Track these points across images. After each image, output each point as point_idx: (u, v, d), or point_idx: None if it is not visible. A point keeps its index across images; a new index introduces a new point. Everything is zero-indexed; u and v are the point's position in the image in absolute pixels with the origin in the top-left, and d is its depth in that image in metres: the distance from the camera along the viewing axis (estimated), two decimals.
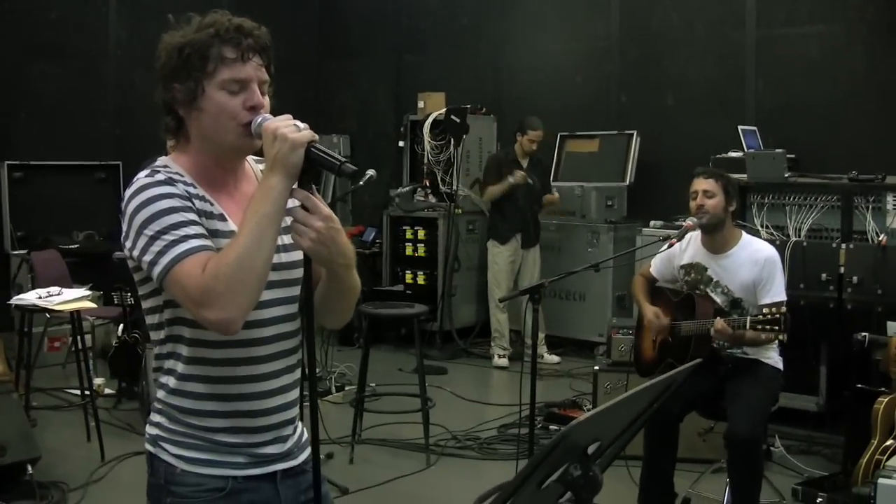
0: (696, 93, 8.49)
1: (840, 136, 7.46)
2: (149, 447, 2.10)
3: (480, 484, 3.98)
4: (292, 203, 1.95)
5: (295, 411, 2.19)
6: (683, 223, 4.60)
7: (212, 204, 2.02)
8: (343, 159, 1.94)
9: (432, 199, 9.10)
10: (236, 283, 1.85)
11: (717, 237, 4.56)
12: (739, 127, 7.23)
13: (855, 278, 5.64)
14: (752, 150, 6.81)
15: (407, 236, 9.24)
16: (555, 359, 8.21)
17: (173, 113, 2.04)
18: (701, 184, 4.55)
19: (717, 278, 4.55)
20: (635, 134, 8.62)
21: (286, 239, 2.05)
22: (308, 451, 2.19)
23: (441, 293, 8.77)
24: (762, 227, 6.23)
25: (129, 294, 6.56)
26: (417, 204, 9.17)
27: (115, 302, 6.91)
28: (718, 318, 4.35)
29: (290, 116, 1.96)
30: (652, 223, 7.41)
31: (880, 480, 4.00)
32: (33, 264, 7.48)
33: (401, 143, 9.60)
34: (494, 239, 8.25)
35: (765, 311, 4.21)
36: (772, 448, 5.48)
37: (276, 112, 2.02)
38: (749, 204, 6.32)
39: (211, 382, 2.03)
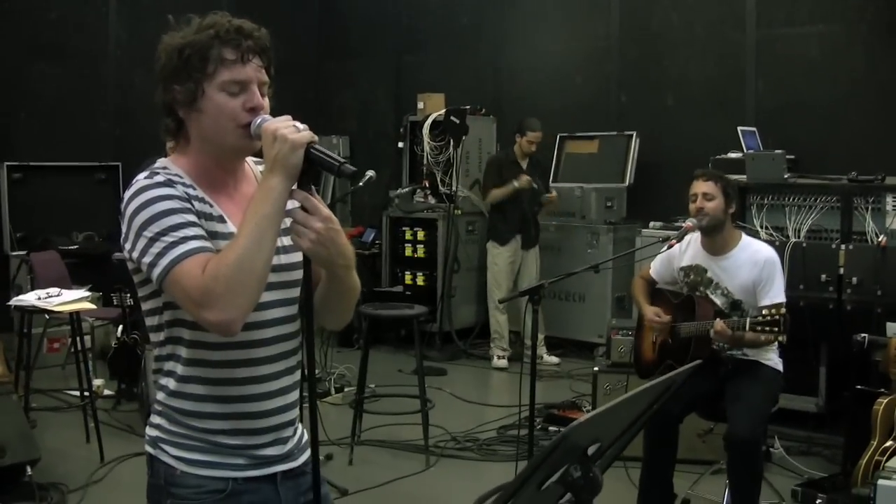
0: (696, 93, 8.49)
1: (840, 136, 7.46)
2: (149, 449, 2.10)
3: (480, 485, 3.98)
4: (292, 204, 1.95)
5: (295, 413, 2.19)
6: (683, 224, 4.59)
7: (211, 206, 2.02)
8: (342, 160, 1.94)
9: (432, 200, 9.10)
10: (236, 284, 1.85)
11: (716, 239, 4.56)
12: (739, 128, 7.23)
13: (854, 279, 5.64)
14: (751, 151, 6.81)
15: (406, 237, 9.24)
16: (554, 360, 8.21)
17: (173, 114, 2.04)
18: (700, 186, 4.55)
19: (717, 280, 4.55)
20: (635, 135, 8.61)
21: (286, 240, 2.05)
22: (308, 452, 2.19)
23: (440, 294, 8.77)
24: (762, 227, 6.23)
25: (129, 295, 6.57)
26: (417, 205, 9.17)
27: (115, 303, 6.92)
28: (718, 319, 4.35)
29: (289, 117, 1.95)
30: (651, 224, 7.41)
31: (880, 481, 4.00)
32: (33, 265, 7.47)
33: (400, 144, 9.60)
34: (494, 240, 8.25)
35: (764, 312, 4.21)
36: (771, 449, 5.48)
37: (275, 113, 2.02)
38: (748, 205, 6.32)
39: (211, 384, 2.03)
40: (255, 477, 2.08)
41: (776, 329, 4.13)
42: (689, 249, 4.69)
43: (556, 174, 8.94)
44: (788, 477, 5.23)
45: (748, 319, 4.25)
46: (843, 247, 5.73)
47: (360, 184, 2.15)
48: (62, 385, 7.00)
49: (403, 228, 9.26)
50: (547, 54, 9.55)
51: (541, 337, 7.72)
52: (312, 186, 1.97)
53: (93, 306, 6.16)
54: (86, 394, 5.82)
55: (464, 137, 8.84)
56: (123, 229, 1.96)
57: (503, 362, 8.19)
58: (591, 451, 1.66)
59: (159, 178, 1.97)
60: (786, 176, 6.29)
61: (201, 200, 2.01)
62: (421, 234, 9.13)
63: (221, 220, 2.02)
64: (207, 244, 1.93)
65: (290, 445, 2.15)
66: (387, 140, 10.24)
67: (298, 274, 2.08)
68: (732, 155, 6.99)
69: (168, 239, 1.89)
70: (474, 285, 9.03)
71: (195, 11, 2.06)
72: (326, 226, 1.93)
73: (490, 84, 9.88)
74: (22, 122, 8.77)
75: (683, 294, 4.68)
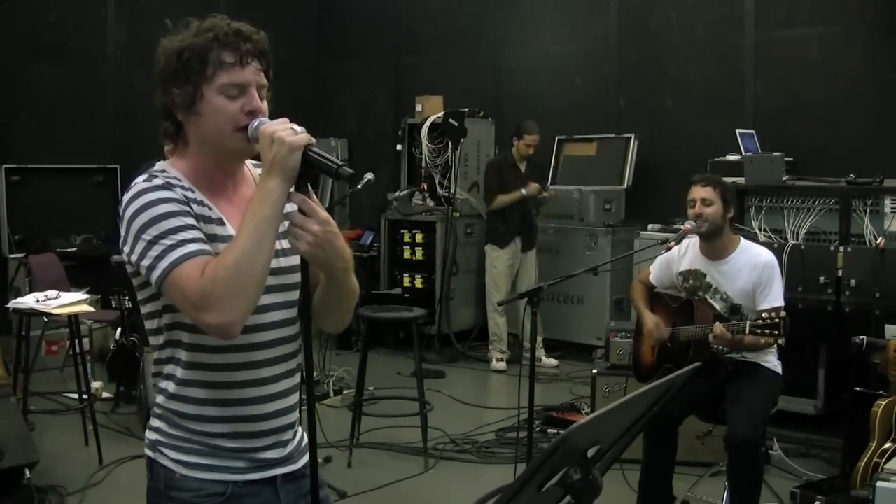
0: (695, 94, 8.49)
1: (839, 138, 7.46)
2: (148, 452, 2.10)
3: (479, 487, 3.98)
4: (290, 207, 1.94)
5: (295, 415, 2.19)
6: (682, 227, 4.59)
7: (210, 208, 2.02)
8: (340, 162, 1.94)
9: (430, 203, 9.10)
10: (235, 286, 1.85)
11: (715, 244, 4.56)
12: (737, 130, 7.23)
13: (853, 281, 5.64)
14: (750, 153, 6.81)
15: (405, 240, 9.23)
16: (553, 362, 8.21)
17: (172, 117, 2.04)
18: (699, 191, 4.54)
19: (716, 285, 4.55)
20: (633, 137, 8.62)
21: (285, 243, 2.04)
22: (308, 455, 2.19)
23: (439, 297, 8.77)
24: (760, 230, 6.23)
25: (127, 298, 6.56)
26: (415, 207, 9.17)
27: (113, 305, 6.91)
28: (717, 323, 4.35)
29: (286, 120, 1.95)
30: (650, 226, 7.41)
31: (879, 483, 4.00)
32: (31, 268, 7.47)
33: (399, 147, 9.59)
34: (493, 243, 8.24)
35: (764, 315, 4.21)
36: (770, 451, 5.48)
37: (275, 114, 2.02)
38: (747, 207, 6.32)
39: (210, 387, 2.03)
40: (254, 480, 2.08)
41: (776, 332, 4.13)
42: (687, 254, 4.69)
43: (555, 176, 8.94)
44: (787, 479, 5.23)
45: (748, 323, 4.25)
46: (841, 249, 5.73)
47: (359, 186, 2.15)
48: (61, 388, 6.99)
49: (402, 231, 9.26)
50: (546, 56, 9.55)
51: (539, 339, 7.72)
52: (310, 189, 1.97)
53: (91, 309, 6.15)
54: (84, 396, 5.82)
55: (462, 140, 8.84)
56: (122, 232, 1.96)
57: (502, 365, 8.18)
58: (590, 453, 1.65)
59: (158, 181, 1.97)
60: (784, 178, 6.29)
61: (200, 203, 2.00)
62: (419, 237, 9.13)
63: (220, 222, 2.02)
64: (206, 247, 1.93)
65: (289, 448, 2.15)
66: (386, 142, 10.23)
67: (297, 277, 2.07)
68: (731, 157, 6.99)
69: (167, 242, 1.89)
70: (473, 287, 9.03)
71: (194, 12, 2.06)
72: (324, 228, 1.93)
73: (489, 85, 9.88)
74: (21, 124, 8.77)
75: (682, 298, 4.68)
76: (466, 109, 8.98)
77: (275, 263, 1.99)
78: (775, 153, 6.50)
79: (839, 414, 5.54)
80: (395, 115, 10.24)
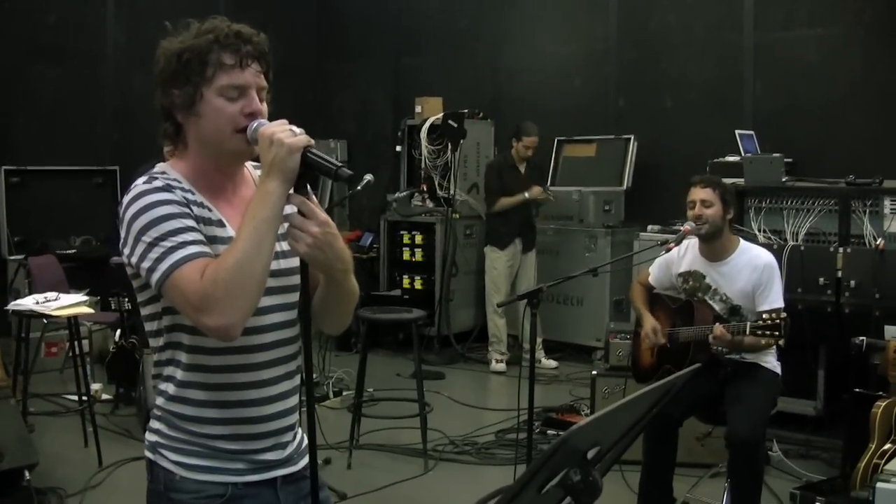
0: (695, 95, 8.49)
1: (838, 139, 7.46)
2: (148, 454, 2.10)
3: (478, 489, 3.98)
4: (289, 208, 1.94)
5: (295, 417, 2.18)
6: (681, 228, 4.59)
7: (210, 210, 2.02)
8: (339, 164, 1.93)
9: (430, 204, 9.10)
10: (235, 288, 1.84)
11: (715, 245, 4.56)
12: (737, 131, 7.23)
13: (853, 282, 5.64)
14: (749, 155, 6.81)
15: (404, 241, 9.23)
16: (552, 364, 8.21)
17: (171, 118, 2.04)
18: (698, 193, 4.54)
19: (716, 286, 4.55)
20: (633, 138, 8.62)
21: (284, 245, 2.05)
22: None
23: (439, 298, 8.76)
24: (759, 231, 6.23)
25: (127, 299, 6.56)
26: (415, 209, 9.17)
27: (113, 307, 6.91)
28: (717, 324, 4.35)
29: (285, 121, 1.95)
30: (650, 227, 7.40)
31: (879, 484, 3.99)
32: (30, 269, 7.47)
33: (398, 148, 9.59)
34: (493, 244, 8.24)
35: (764, 316, 4.21)
36: (770, 452, 5.48)
37: (274, 115, 2.02)
38: (746, 208, 6.32)
39: (210, 389, 2.03)
40: (254, 482, 2.08)
41: (777, 333, 4.13)
42: (687, 255, 4.69)
43: (554, 177, 8.95)
44: (787, 480, 5.23)
45: (748, 324, 4.25)
46: (840, 250, 5.73)
47: (358, 188, 2.14)
48: (60, 389, 6.99)
49: (401, 232, 9.26)
50: (545, 57, 9.56)
51: (539, 340, 7.72)
52: (310, 191, 1.97)
53: (91, 310, 6.15)
54: (84, 398, 5.82)
55: (461, 141, 8.84)
56: (122, 234, 1.96)
57: (501, 366, 8.18)
58: (590, 454, 1.65)
59: (158, 183, 1.97)
60: (784, 179, 6.29)
61: (200, 205, 2.00)
62: (419, 238, 9.13)
63: (220, 224, 2.02)
64: (206, 249, 1.93)
65: (289, 450, 2.15)
66: (385, 143, 10.24)
67: (297, 279, 2.07)
68: (730, 158, 6.99)
69: (167, 244, 1.89)
70: (472, 289, 9.03)
71: (193, 13, 2.05)
72: (324, 230, 1.93)
73: (488, 86, 9.89)
74: (20, 126, 8.77)
75: (682, 299, 4.67)
76: (466, 111, 8.98)
77: (274, 265, 1.99)
78: (775, 154, 6.50)
79: (839, 415, 5.54)
80: (395, 116, 10.24)
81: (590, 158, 8.93)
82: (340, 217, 10.29)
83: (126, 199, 1.97)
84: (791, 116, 7.75)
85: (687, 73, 8.56)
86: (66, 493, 5.01)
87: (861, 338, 4.92)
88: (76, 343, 5.83)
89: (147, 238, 1.90)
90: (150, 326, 2.07)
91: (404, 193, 9.25)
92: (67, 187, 8.77)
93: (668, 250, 4.67)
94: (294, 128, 1.94)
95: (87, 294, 6.82)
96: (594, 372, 5.96)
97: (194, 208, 1.98)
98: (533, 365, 4.15)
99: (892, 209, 5.78)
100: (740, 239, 4.67)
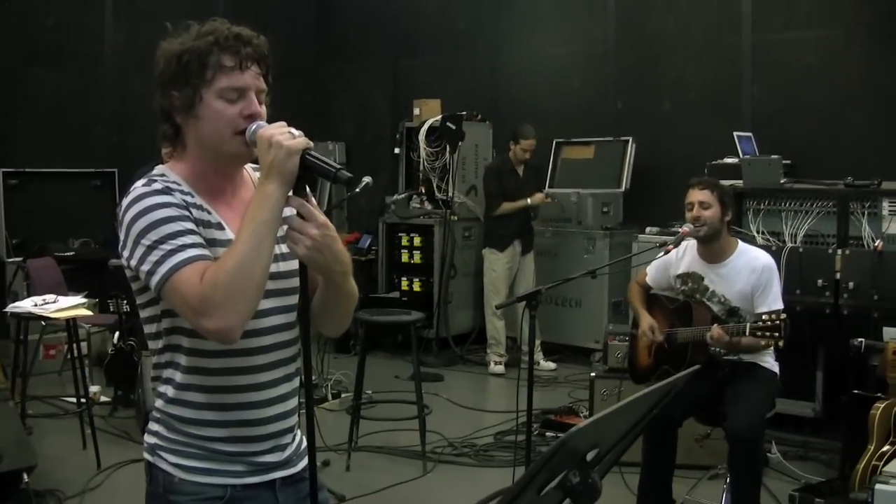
0: (693, 97, 8.49)
1: (837, 140, 7.46)
2: (147, 456, 2.09)
3: (477, 491, 3.98)
4: (288, 211, 1.94)
5: (294, 419, 2.18)
6: (680, 230, 4.59)
7: (209, 213, 2.02)
8: (338, 166, 1.93)
9: (428, 206, 9.10)
10: (235, 290, 1.84)
11: (713, 247, 4.56)
12: (735, 133, 7.23)
13: (851, 284, 5.64)
14: (747, 156, 6.82)
15: (403, 243, 9.24)
16: (551, 365, 8.21)
17: (171, 120, 2.04)
18: (696, 195, 4.55)
19: (714, 287, 4.55)
20: (631, 140, 8.62)
21: (283, 248, 2.05)
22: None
23: (437, 300, 8.77)
24: (758, 233, 6.23)
25: (125, 301, 6.56)
26: (413, 211, 9.17)
27: (111, 309, 6.90)
28: (715, 325, 4.35)
29: (284, 124, 1.95)
30: (648, 229, 7.40)
31: (877, 486, 3.99)
32: (29, 272, 7.46)
33: (396, 150, 9.60)
34: (492, 246, 8.23)
35: (764, 317, 4.21)
36: (769, 454, 5.48)
37: (273, 117, 2.02)
38: (745, 210, 6.32)
39: (209, 392, 2.03)
40: (253, 484, 2.08)
41: (776, 334, 4.13)
42: (685, 257, 4.69)
43: (553, 180, 8.95)
44: (786, 481, 5.23)
45: (748, 324, 4.25)
46: (839, 251, 5.73)
47: (357, 190, 2.15)
48: (59, 392, 6.98)
49: (400, 234, 9.26)
50: (544, 59, 9.56)
51: (537, 342, 7.72)
52: (309, 193, 1.97)
53: (89, 313, 6.16)
54: (82, 400, 5.82)
55: (460, 143, 8.84)
56: (121, 237, 1.96)
57: (500, 368, 8.18)
58: (589, 456, 1.65)
59: (157, 186, 1.97)
60: (782, 181, 6.29)
61: (199, 208, 2.00)
62: (417, 240, 9.13)
63: (220, 227, 2.02)
64: (206, 252, 1.92)
65: (288, 452, 2.15)
66: (384, 145, 10.25)
67: (296, 281, 2.07)
68: (729, 160, 6.99)
69: (166, 247, 1.89)
70: (471, 291, 9.03)
71: (192, 15, 2.06)
72: (323, 232, 1.92)
73: (487, 88, 9.89)
74: (19, 128, 8.76)
75: (680, 300, 4.68)
76: (464, 113, 8.98)
77: (274, 268, 1.98)
78: (773, 156, 6.51)
79: (837, 416, 5.54)
80: (393, 118, 10.24)
81: (588, 160, 8.93)
82: (339, 219, 10.29)
83: (125, 201, 1.96)
84: (789, 118, 7.75)
85: (685, 74, 8.57)
86: (65, 496, 5.01)
87: (859, 339, 4.92)
88: (75, 345, 5.82)
89: (146, 241, 1.90)
90: (149, 329, 2.07)
91: (403, 195, 9.25)
92: (66, 189, 8.77)
93: (667, 252, 4.67)
94: (293, 130, 1.94)
95: (86, 296, 6.82)
96: (593, 374, 5.96)
97: (193, 211, 1.98)
98: (531, 367, 4.15)
99: (890, 211, 5.78)
100: (738, 241, 4.68)
